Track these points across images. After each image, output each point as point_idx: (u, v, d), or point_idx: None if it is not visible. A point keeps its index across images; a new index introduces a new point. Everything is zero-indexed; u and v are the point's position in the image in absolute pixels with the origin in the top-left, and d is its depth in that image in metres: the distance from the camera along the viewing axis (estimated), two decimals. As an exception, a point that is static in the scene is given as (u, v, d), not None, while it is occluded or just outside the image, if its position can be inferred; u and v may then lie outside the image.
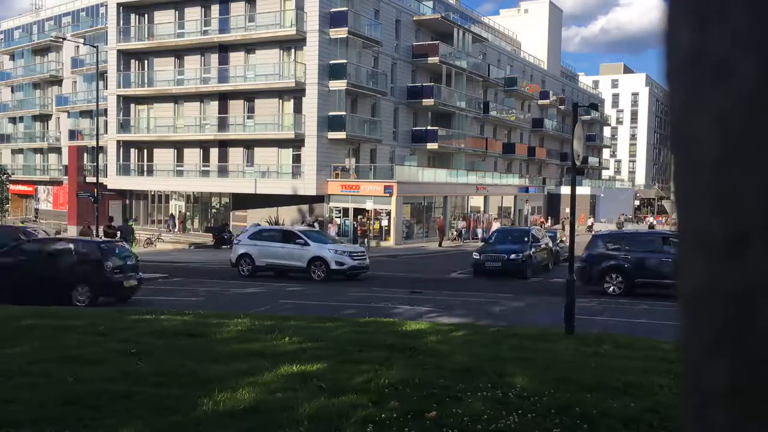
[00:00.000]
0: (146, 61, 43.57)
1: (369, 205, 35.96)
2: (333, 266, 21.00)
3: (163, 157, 43.45)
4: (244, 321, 11.13)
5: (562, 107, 66.33)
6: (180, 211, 44.33)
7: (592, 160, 72.04)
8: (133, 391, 6.29)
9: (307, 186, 36.82)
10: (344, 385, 6.53)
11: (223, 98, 40.33)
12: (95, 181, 36.19)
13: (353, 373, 7.10)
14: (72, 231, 42.43)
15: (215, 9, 40.25)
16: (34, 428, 5.29)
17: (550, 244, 26.09)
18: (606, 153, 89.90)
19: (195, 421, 5.45)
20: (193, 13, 41.23)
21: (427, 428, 5.30)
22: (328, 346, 8.76)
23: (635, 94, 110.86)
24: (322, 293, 17.87)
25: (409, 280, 21.40)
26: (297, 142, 37.61)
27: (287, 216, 38.54)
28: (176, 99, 42.63)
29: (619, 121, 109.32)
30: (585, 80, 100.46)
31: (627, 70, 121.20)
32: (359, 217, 36.22)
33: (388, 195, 36.07)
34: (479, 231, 43.35)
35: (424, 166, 44.39)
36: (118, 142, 44.16)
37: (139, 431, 5.25)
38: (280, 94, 38.33)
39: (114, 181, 44.30)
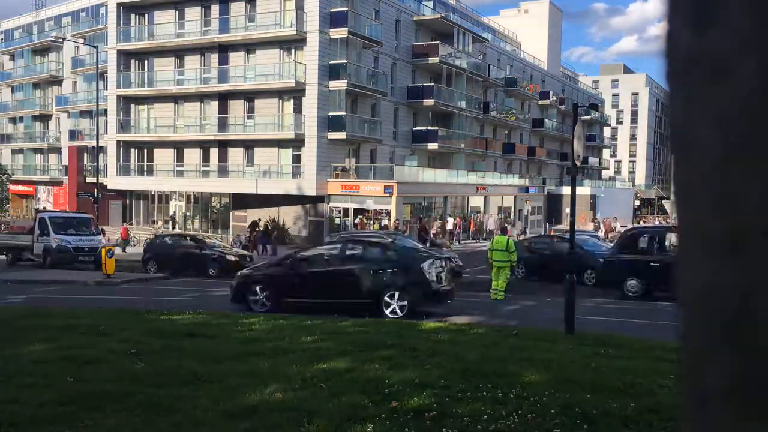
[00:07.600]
0: (146, 61, 43.56)
1: (369, 205, 35.92)
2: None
3: (163, 157, 43.44)
4: (244, 321, 11.13)
5: (562, 107, 66.26)
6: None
7: (592, 160, 71.96)
8: (133, 391, 6.28)
9: (308, 186, 36.81)
10: (344, 385, 6.53)
11: (223, 98, 40.32)
12: (95, 181, 36.28)
13: (354, 373, 7.10)
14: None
15: (215, 9, 40.23)
16: (34, 428, 5.29)
17: None
18: (606, 153, 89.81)
19: (195, 421, 5.44)
20: (193, 13, 41.22)
21: (427, 428, 5.29)
22: (329, 346, 8.76)
23: (635, 94, 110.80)
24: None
25: None
26: (297, 142, 37.60)
27: (288, 216, 38.56)
28: (176, 99, 42.62)
29: (619, 121, 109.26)
30: (585, 80, 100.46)
31: (627, 71, 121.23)
32: (360, 217, 36.19)
33: (388, 195, 36.03)
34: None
35: (424, 167, 44.30)
36: (118, 142, 44.15)
37: (139, 431, 5.25)
38: (280, 94, 38.32)
39: (114, 181, 44.30)
